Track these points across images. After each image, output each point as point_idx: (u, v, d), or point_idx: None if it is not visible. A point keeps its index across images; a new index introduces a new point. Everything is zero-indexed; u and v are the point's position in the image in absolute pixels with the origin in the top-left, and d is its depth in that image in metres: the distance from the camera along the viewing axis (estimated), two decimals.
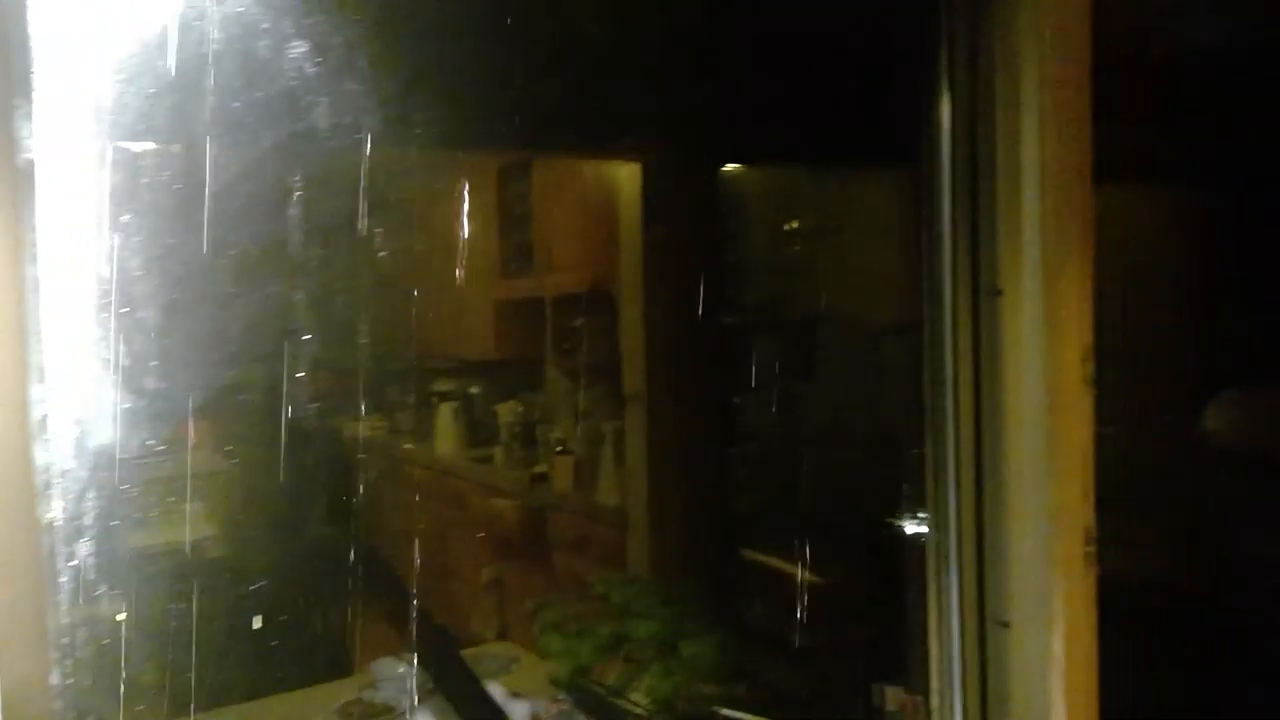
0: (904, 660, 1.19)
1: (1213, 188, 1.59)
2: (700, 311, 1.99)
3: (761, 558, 1.94)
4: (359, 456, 1.89)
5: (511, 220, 2.42)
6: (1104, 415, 1.02)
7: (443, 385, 2.64)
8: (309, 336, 1.40)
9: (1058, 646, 1.01)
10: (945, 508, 1.07)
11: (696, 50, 1.48)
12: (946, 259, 1.07)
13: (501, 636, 2.08)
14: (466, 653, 1.65)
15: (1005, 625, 1.05)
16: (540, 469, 2.38)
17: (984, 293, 1.06)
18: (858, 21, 1.15)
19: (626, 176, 2.07)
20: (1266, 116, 1.41)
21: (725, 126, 1.70)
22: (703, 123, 1.72)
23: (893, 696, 1.27)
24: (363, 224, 1.10)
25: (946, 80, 1.06)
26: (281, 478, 1.47)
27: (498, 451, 2.52)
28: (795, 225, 2.11)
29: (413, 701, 1.22)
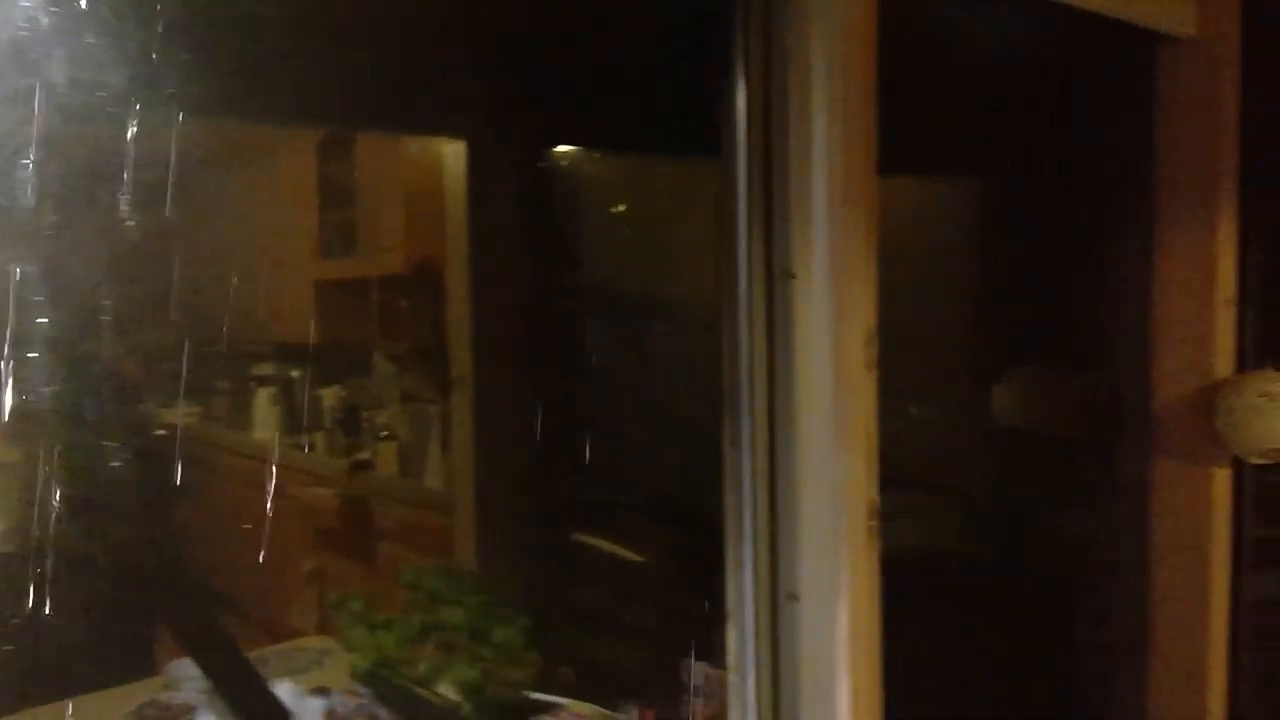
0: (712, 636, 1.22)
1: (997, 178, 1.69)
2: (528, 294, 1.97)
3: (589, 540, 1.94)
4: (167, 445, 1.78)
5: (332, 199, 2.33)
6: (905, 395, 1.06)
7: (261, 370, 2.52)
8: (107, 318, 1.31)
9: (843, 619, 1.05)
10: (740, 485, 1.10)
11: (512, 32, 1.46)
12: (742, 243, 1.09)
13: (321, 630, 2.01)
14: (279, 648, 1.59)
15: (795, 599, 1.08)
16: (363, 455, 2.31)
17: (777, 276, 1.09)
18: (659, 10, 1.15)
19: (451, 156, 2.03)
20: (1045, 110, 1.50)
21: (544, 110, 1.68)
22: (523, 105, 1.70)
23: (699, 671, 1.29)
24: (168, 202, 1.02)
25: (742, 69, 1.08)
26: (80, 468, 1.38)
27: (319, 438, 2.43)
28: (622, 210, 2.12)
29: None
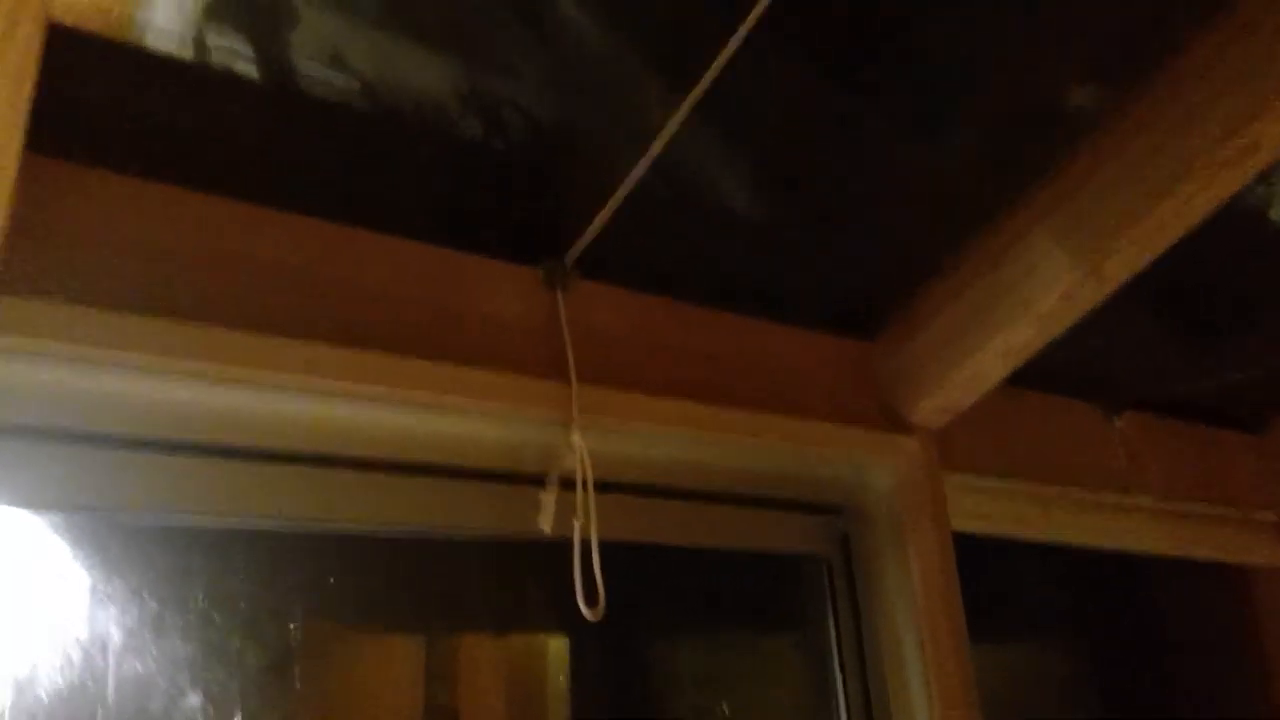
0: None
1: None
2: None
3: None
4: None
5: (437, 691, 2.18)
6: None
7: None
8: None
9: None
10: None
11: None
12: None
13: None
14: None
15: None
16: None
17: None
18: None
19: (555, 650, 1.99)
20: None
21: (645, 607, 1.71)
22: (622, 603, 1.73)
23: None
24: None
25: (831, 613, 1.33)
26: None
27: None
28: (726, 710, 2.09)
29: None
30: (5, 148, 0.71)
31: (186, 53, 1.11)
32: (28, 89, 0.67)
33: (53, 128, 0.81)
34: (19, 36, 0.65)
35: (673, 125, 1.02)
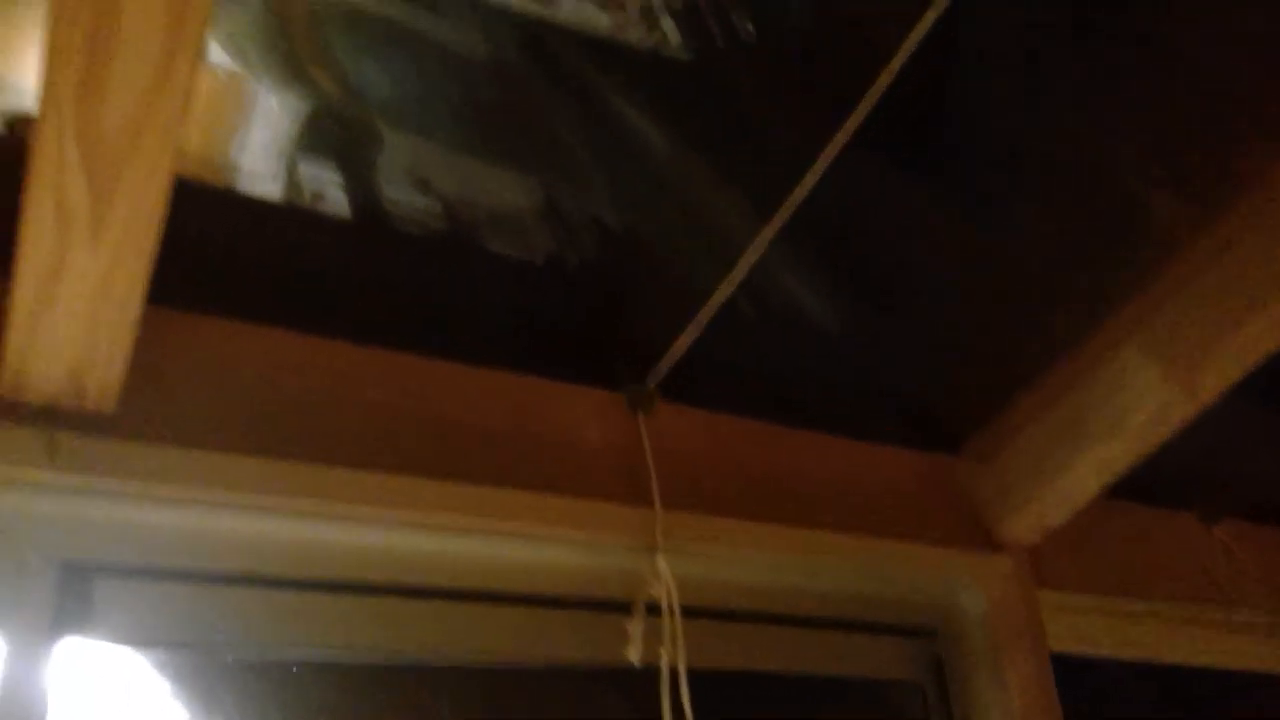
0: None
1: None
2: None
3: None
4: None
5: None
6: None
7: None
8: None
9: None
10: None
11: None
12: None
13: None
14: None
15: None
16: None
17: None
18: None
19: None
20: None
21: None
22: None
23: None
24: None
25: None
26: None
27: None
28: None
29: None
30: (130, 299, 0.75)
31: (278, 190, 1.17)
32: (154, 240, 0.71)
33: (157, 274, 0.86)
34: (151, 188, 0.68)
35: (758, 247, 1.04)
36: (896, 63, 0.91)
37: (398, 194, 1.29)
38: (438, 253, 1.17)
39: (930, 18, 0.88)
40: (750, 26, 1.94)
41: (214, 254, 0.99)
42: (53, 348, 0.76)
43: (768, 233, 1.02)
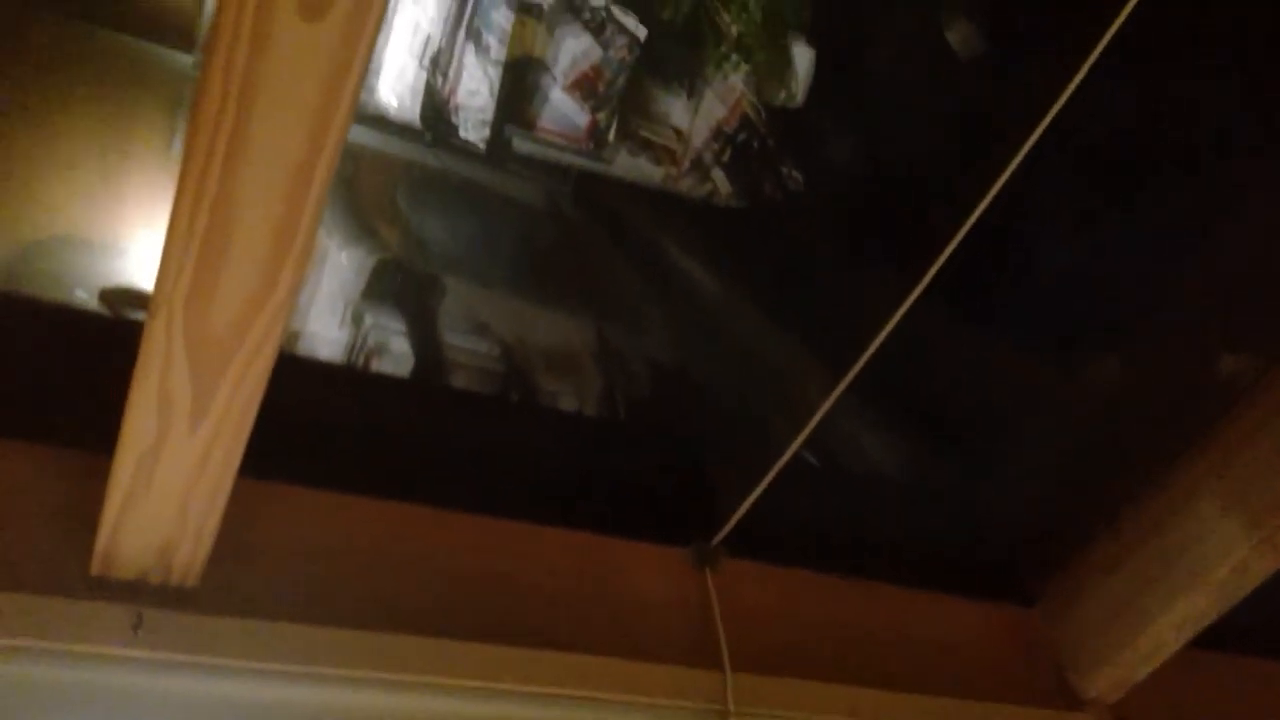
0: None
1: None
2: None
3: None
4: None
5: None
6: None
7: None
8: None
9: None
10: None
11: None
12: None
13: None
14: None
15: None
16: None
17: None
18: None
19: None
20: None
21: None
22: None
23: None
24: None
25: None
26: None
27: None
28: None
29: None
30: (223, 480, 0.78)
31: (343, 347, 1.20)
32: (251, 424, 0.74)
33: None
34: (253, 378, 0.71)
35: (828, 399, 1.04)
36: (973, 216, 0.93)
37: (457, 339, 1.32)
38: (500, 410, 1.19)
39: (1000, 179, 0.90)
40: (799, 175, 2.00)
41: (283, 420, 1.02)
42: (145, 527, 0.78)
43: (839, 385, 1.03)
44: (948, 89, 1.94)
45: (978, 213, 0.94)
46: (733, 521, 1.12)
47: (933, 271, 0.96)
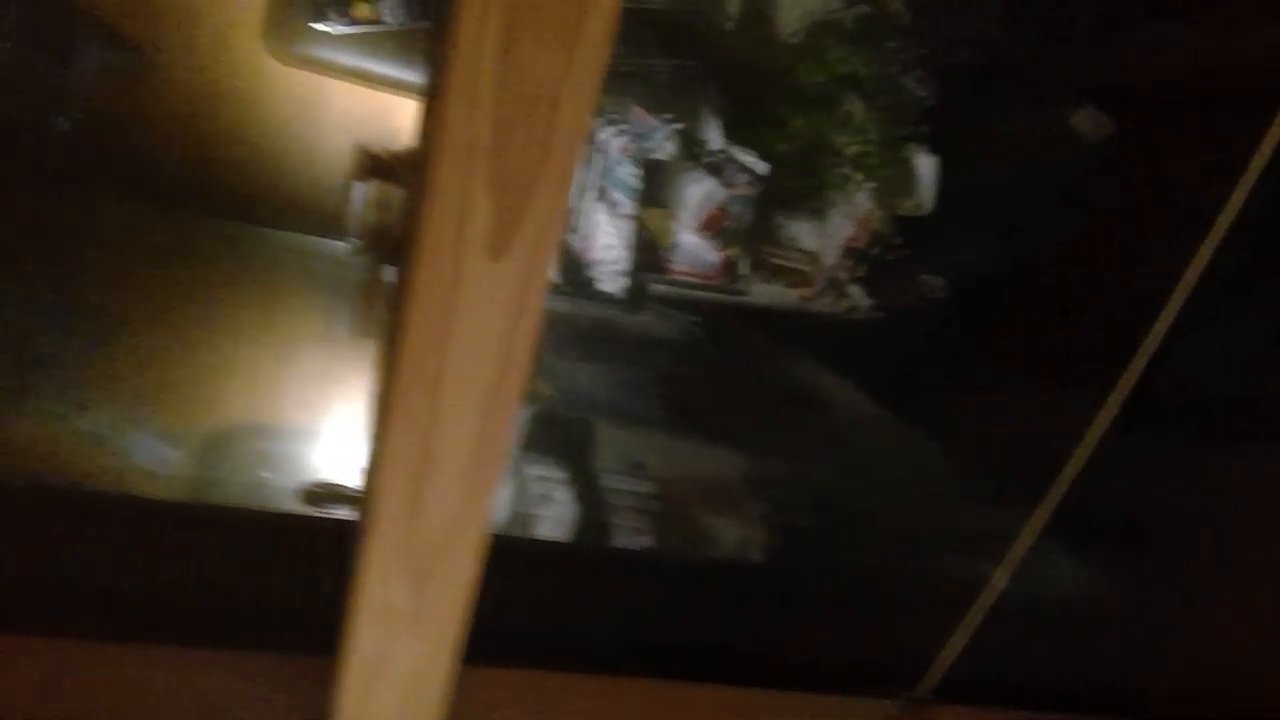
0: None
1: None
2: None
3: None
4: None
5: None
6: None
7: None
8: None
9: None
10: None
11: None
12: None
13: None
14: None
15: None
16: None
17: None
18: None
19: None
20: None
21: None
22: None
23: None
24: None
25: None
26: None
27: None
28: None
29: None
30: (445, 675, 0.77)
31: (509, 507, 1.20)
32: (468, 617, 0.74)
33: None
34: (465, 573, 0.71)
35: (1028, 534, 0.99)
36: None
37: (614, 481, 1.31)
38: (671, 571, 1.17)
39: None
40: (942, 281, 1.95)
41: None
42: None
43: (1038, 518, 0.98)
44: (1078, 174, 1.88)
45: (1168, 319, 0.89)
46: (939, 668, 1.06)
47: (1120, 396, 0.91)
